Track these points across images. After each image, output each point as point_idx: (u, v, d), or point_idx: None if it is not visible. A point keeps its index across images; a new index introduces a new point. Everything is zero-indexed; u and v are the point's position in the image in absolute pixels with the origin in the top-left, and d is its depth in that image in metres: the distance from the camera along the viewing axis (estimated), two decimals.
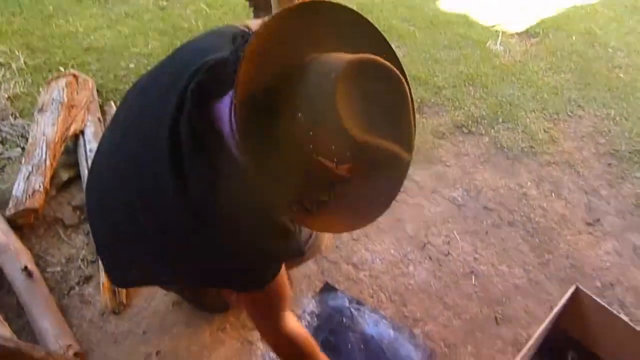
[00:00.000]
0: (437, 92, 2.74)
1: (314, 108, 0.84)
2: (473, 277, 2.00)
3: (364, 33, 0.99)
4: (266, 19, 0.91)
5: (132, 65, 2.78)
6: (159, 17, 3.19)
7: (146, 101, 1.16)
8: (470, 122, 2.61)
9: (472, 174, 2.37)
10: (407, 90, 0.89)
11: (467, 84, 2.86)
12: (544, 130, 2.61)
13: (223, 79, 0.95)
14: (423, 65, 2.89)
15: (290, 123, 0.86)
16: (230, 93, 0.94)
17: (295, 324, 1.37)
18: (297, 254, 1.18)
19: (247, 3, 2.93)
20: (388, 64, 0.87)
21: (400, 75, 0.88)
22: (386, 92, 0.87)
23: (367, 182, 0.95)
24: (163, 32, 3.06)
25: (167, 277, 1.33)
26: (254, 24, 1.27)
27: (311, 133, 0.84)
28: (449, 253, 2.06)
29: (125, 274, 1.36)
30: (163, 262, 1.18)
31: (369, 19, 0.98)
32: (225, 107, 0.97)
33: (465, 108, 2.67)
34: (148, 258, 1.20)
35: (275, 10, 2.12)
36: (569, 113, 2.74)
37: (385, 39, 1.01)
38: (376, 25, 1.00)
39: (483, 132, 2.57)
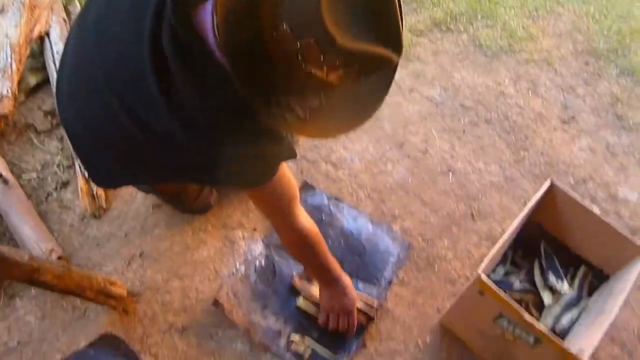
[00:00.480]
0: None
1: (299, 19, 0.83)
2: (450, 174, 2.03)
3: None
4: None
5: None
6: None
7: (120, 4, 1.10)
8: (448, 19, 2.55)
9: (450, 72, 2.35)
10: None
11: None
12: (523, 28, 2.57)
13: None
14: None
15: (276, 34, 0.85)
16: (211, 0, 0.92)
17: (307, 219, 1.43)
18: (291, 156, 1.19)
19: None
20: None
21: None
22: None
23: (358, 85, 0.95)
24: None
25: (157, 176, 1.33)
26: None
27: (298, 44, 0.84)
28: (426, 151, 2.08)
29: (109, 175, 1.35)
30: (155, 162, 1.18)
31: None
32: (207, 14, 0.93)
33: (444, 5, 2.60)
34: (137, 160, 1.19)
35: None
36: (548, 10, 2.69)
37: None
38: None
39: (462, 29, 2.53)
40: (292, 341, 1.62)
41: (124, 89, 1.06)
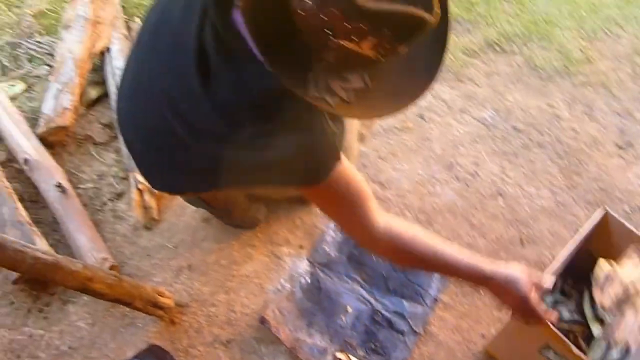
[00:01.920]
0: (469, 8, 2.65)
1: None
2: (500, 198, 2.00)
3: None
4: None
5: None
6: None
7: (169, 15, 1.15)
8: (503, 40, 2.53)
9: (503, 94, 2.32)
10: None
11: None
12: (580, 50, 2.52)
13: None
14: None
15: (300, 9, 0.84)
16: None
17: (390, 219, 1.23)
18: (337, 147, 1.14)
19: None
20: None
21: None
22: None
23: (398, 57, 0.91)
24: None
25: (216, 182, 1.27)
26: None
27: (323, 16, 0.83)
28: (476, 173, 2.05)
29: (162, 178, 1.37)
30: (211, 167, 1.16)
31: None
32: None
33: (499, 25, 2.58)
34: (192, 166, 1.21)
35: None
36: (607, 32, 2.63)
37: None
38: None
39: (516, 50, 2.50)
40: (339, 359, 1.62)
41: (171, 87, 1.10)
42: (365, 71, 0.93)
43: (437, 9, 0.86)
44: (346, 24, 0.82)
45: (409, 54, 0.92)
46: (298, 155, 1.05)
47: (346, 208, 1.19)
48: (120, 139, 1.92)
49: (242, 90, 0.99)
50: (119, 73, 2.10)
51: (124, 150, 1.97)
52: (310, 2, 0.83)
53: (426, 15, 0.84)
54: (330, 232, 1.86)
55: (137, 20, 2.42)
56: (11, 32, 2.44)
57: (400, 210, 1.93)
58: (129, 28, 2.38)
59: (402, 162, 2.06)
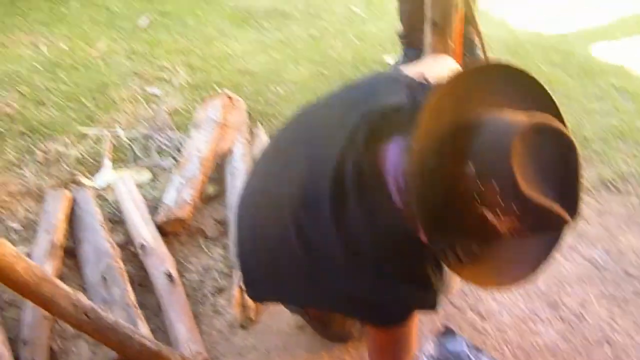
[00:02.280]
0: (584, 144, 2.63)
1: (487, 159, 0.88)
2: (607, 345, 1.89)
3: (536, 94, 1.02)
4: (446, 76, 0.96)
5: (281, 91, 2.93)
6: (311, 46, 3.33)
7: (312, 133, 1.24)
8: (618, 179, 2.47)
9: (616, 235, 2.24)
10: (579, 156, 0.90)
11: (618, 138, 2.71)
12: None
13: (395, 123, 1.04)
14: (572, 115, 2.78)
15: (459, 170, 0.90)
16: (399, 138, 1.03)
17: None
18: (430, 307, 1.20)
19: (399, 40, 3.00)
20: (563, 128, 0.90)
21: (573, 141, 0.90)
22: (559, 156, 0.89)
23: (521, 241, 0.95)
24: (313, 61, 3.19)
25: (304, 298, 1.37)
26: (415, 71, 1.32)
27: (479, 182, 0.88)
28: (582, 316, 1.96)
29: (264, 289, 1.43)
30: (305, 283, 1.23)
31: (518, 62, 1.01)
32: (392, 149, 1.03)
33: (614, 164, 2.53)
34: (292, 278, 1.27)
35: (428, 50, 2.16)
36: None
37: (554, 102, 1.02)
38: (546, 88, 1.02)
39: (632, 191, 2.43)
40: None
41: (298, 201, 1.16)
42: (488, 241, 0.97)
43: (579, 212, 0.91)
44: (499, 199, 0.87)
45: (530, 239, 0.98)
46: (391, 295, 1.12)
47: (389, 350, 1.31)
48: (231, 236, 2.02)
49: (371, 227, 1.04)
50: (237, 174, 2.24)
51: (232, 248, 2.06)
52: (472, 168, 0.89)
53: (569, 220, 0.90)
54: (423, 358, 1.82)
55: (260, 126, 2.60)
56: (147, 125, 2.68)
57: (498, 345, 1.86)
58: (252, 133, 2.55)
59: (504, 293, 2.01)
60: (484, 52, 2.59)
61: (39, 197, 2.35)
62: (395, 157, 1.02)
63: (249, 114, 2.68)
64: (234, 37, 3.40)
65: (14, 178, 2.45)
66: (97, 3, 3.74)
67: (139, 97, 2.84)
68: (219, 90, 2.83)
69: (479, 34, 2.55)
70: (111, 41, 3.32)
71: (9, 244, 1.18)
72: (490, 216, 0.89)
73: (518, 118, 0.90)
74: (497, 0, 3.73)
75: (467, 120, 0.94)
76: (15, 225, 2.26)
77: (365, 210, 1.04)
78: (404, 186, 0.98)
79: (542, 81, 1.01)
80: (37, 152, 2.55)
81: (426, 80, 1.16)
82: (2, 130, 2.65)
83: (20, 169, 2.49)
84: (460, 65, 1.70)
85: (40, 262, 1.90)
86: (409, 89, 1.08)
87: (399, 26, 3.07)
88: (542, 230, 0.94)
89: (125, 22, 3.53)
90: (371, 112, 1.10)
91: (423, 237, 0.95)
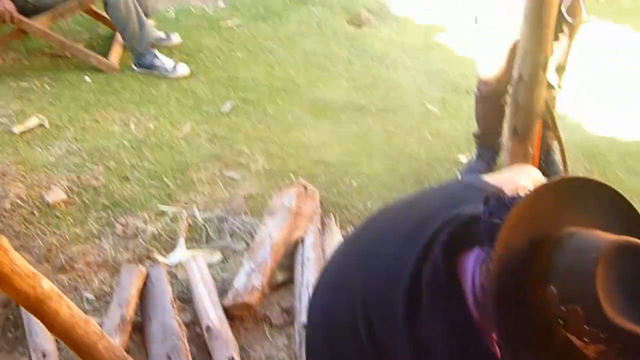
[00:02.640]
0: None
1: (569, 282, 0.86)
2: None
3: (620, 211, 1.00)
4: (525, 186, 0.97)
5: (354, 183, 2.97)
6: (385, 140, 3.40)
7: (391, 234, 1.25)
8: None
9: None
10: None
11: None
12: None
13: (475, 234, 1.03)
14: None
15: (541, 291, 0.88)
16: (478, 249, 1.02)
17: None
18: None
19: (474, 139, 3.02)
20: None
21: None
22: None
23: None
24: (387, 155, 3.24)
25: None
26: (497, 180, 1.33)
27: (562, 306, 0.86)
28: None
29: None
30: None
31: (595, 168, 1.00)
32: (470, 261, 1.03)
33: None
34: None
35: (506, 155, 2.16)
36: None
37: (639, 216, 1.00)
38: (629, 201, 1.01)
39: None
40: None
41: (374, 302, 1.16)
42: None
43: None
44: (584, 326, 0.85)
45: None
46: None
47: None
48: (298, 325, 2.02)
49: (445, 337, 1.03)
50: (308, 263, 2.26)
51: (296, 337, 2.06)
52: (555, 291, 0.87)
53: None
54: None
55: (332, 217, 2.63)
56: (222, 207, 2.76)
57: None
58: (323, 224, 2.59)
59: None
60: (564, 158, 2.57)
61: (114, 269, 2.43)
62: (474, 269, 1.02)
63: (322, 204, 2.73)
64: (311, 128, 3.50)
65: (92, 249, 2.55)
66: (185, 87, 3.95)
67: (217, 180, 2.95)
68: (295, 179, 2.91)
69: (559, 140, 2.54)
70: (195, 124, 3.49)
71: (93, 322, 1.21)
72: (575, 340, 0.87)
73: (601, 237, 0.89)
74: (574, 104, 3.72)
75: (548, 237, 0.93)
76: (89, 295, 2.33)
77: (440, 319, 1.03)
78: (483, 302, 0.97)
79: (622, 191, 1.00)
80: (117, 225, 2.66)
81: (508, 192, 1.16)
82: (87, 201, 2.79)
83: (100, 240, 2.59)
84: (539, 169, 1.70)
85: (110, 335, 1.94)
86: (490, 199, 1.09)
87: (474, 126, 3.10)
88: (633, 355, 0.89)
89: (209, 106, 3.71)
90: (451, 220, 1.11)
91: (500, 354, 0.93)
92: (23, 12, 3.84)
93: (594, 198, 1.00)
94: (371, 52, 4.52)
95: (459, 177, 3.05)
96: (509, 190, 1.15)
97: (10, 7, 3.74)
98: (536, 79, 1.95)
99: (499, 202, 1.03)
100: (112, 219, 2.69)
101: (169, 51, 4.38)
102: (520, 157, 2.12)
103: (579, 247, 0.90)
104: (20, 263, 1.19)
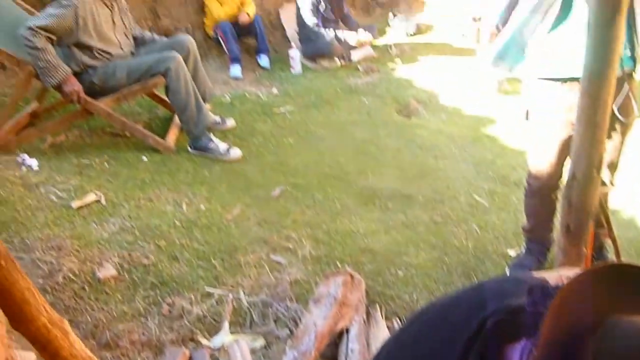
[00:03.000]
0: None
1: None
2: None
3: None
4: (569, 276, 0.95)
5: (400, 273, 2.95)
6: (432, 231, 3.39)
7: (434, 332, 1.24)
8: None
9: None
10: None
11: None
12: None
13: (519, 325, 1.01)
14: None
15: None
16: (524, 340, 1.00)
17: None
18: None
19: (523, 233, 2.99)
20: None
21: None
22: None
23: None
24: (434, 246, 3.22)
25: None
26: (547, 277, 1.32)
27: None
28: None
29: None
30: None
31: None
32: (517, 352, 1.01)
33: None
34: None
35: (559, 253, 2.13)
36: None
37: None
38: None
39: None
40: None
41: None
42: None
43: None
44: None
45: None
46: None
47: None
48: None
49: None
50: (351, 355, 2.22)
51: None
52: None
53: None
54: None
55: (377, 307, 2.60)
56: (267, 292, 2.76)
57: None
58: (368, 314, 2.55)
59: None
60: (618, 256, 2.52)
61: (157, 349, 2.43)
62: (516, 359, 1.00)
63: (367, 294, 2.71)
64: (358, 215, 3.53)
65: (138, 327, 2.56)
66: (237, 170, 4.07)
67: (264, 264, 2.97)
68: (341, 266, 2.91)
69: (613, 238, 2.50)
70: (245, 206, 3.56)
71: None
72: None
73: None
74: (627, 201, 3.65)
75: (594, 324, 0.90)
76: None
77: None
78: None
79: None
80: (164, 305, 2.68)
81: (553, 282, 1.15)
82: (136, 279, 2.83)
83: (146, 319, 2.61)
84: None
85: None
86: (534, 289, 1.07)
87: (523, 219, 3.07)
88: None
89: (259, 190, 3.80)
90: (496, 312, 1.10)
91: None
92: (89, 93, 4.10)
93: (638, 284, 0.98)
94: (420, 142, 4.59)
95: (508, 272, 2.99)
96: (553, 280, 1.14)
97: (79, 88, 4.00)
98: (590, 179, 1.95)
99: (543, 291, 1.02)
100: (159, 298, 2.72)
101: (223, 134, 4.56)
102: (573, 256, 2.09)
103: (626, 334, 0.87)
104: (79, 347, 1.21)
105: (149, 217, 3.35)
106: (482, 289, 1.35)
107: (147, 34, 4.69)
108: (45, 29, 3.77)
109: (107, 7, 4.17)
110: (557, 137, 2.61)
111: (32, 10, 4.36)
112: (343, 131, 4.80)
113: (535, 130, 2.74)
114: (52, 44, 3.86)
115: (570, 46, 2.37)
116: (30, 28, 3.73)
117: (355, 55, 6.66)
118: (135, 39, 4.53)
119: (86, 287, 2.74)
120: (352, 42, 6.56)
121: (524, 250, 3.08)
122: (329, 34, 6.41)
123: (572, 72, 2.37)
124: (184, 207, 3.51)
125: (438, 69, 6.37)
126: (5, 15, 4.13)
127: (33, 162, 3.83)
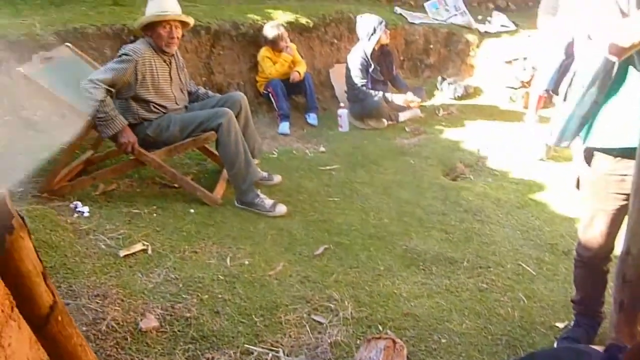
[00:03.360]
0: None
1: None
2: None
3: None
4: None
5: (444, 341, 2.88)
6: (477, 298, 3.31)
7: None
8: None
9: None
10: None
11: None
12: None
13: None
14: None
15: None
16: None
17: None
18: None
19: (572, 305, 2.90)
20: None
21: None
22: None
23: None
24: (478, 314, 3.14)
25: None
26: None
27: None
28: None
29: None
30: None
31: None
32: None
33: None
34: None
35: (611, 329, 2.07)
36: None
37: None
38: None
39: None
40: None
41: None
42: None
43: None
44: None
45: None
46: None
47: None
48: None
49: None
50: None
51: None
52: None
53: None
54: None
55: None
56: (307, 352, 2.73)
57: None
58: None
59: None
60: None
61: None
62: None
63: (409, 359, 2.65)
64: (402, 278, 3.49)
65: None
66: (281, 226, 4.09)
67: (305, 323, 2.94)
68: (382, 330, 2.86)
69: None
70: (288, 263, 3.56)
71: None
72: None
73: None
74: None
75: None
76: None
77: None
78: None
79: None
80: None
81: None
82: (177, 331, 2.84)
83: None
84: None
85: None
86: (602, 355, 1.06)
87: (572, 290, 2.98)
88: None
89: (303, 247, 3.81)
90: None
91: None
92: (143, 144, 4.23)
93: None
94: (465, 206, 4.55)
95: (556, 345, 2.89)
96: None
97: (134, 140, 4.15)
98: None
99: (611, 356, 1.01)
100: (199, 352, 2.72)
101: (270, 190, 4.62)
102: (625, 334, 2.02)
103: None
104: None
105: (193, 270, 3.38)
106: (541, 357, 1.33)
107: (202, 90, 4.85)
108: (105, 82, 3.95)
109: (166, 63, 4.35)
110: (609, 207, 2.55)
111: (96, 64, 4.58)
112: (388, 191, 4.81)
113: (586, 199, 2.69)
114: (111, 97, 4.03)
115: (623, 117, 2.34)
116: (91, 81, 3.92)
117: (403, 117, 6.74)
118: (190, 94, 4.69)
119: (128, 337, 2.77)
120: (400, 103, 6.63)
121: (573, 323, 2.98)
122: (377, 94, 6.51)
123: (625, 142, 2.34)
124: (228, 261, 3.53)
125: (485, 132, 6.36)
126: (69, 69, 4.34)
127: (85, 209, 3.94)
